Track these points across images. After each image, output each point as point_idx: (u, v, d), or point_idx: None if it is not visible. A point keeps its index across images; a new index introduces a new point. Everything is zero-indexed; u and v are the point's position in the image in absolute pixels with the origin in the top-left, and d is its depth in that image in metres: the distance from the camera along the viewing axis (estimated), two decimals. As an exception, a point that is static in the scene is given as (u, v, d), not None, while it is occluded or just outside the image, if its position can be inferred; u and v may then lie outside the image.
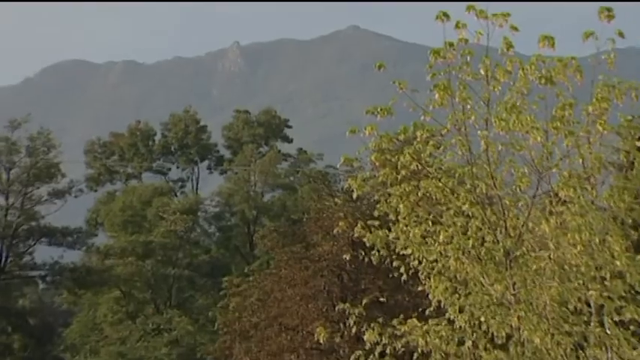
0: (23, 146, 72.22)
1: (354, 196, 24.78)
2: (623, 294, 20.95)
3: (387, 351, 21.85)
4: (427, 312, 22.09)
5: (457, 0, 21.98)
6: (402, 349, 22.04)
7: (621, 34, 21.23)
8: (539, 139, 21.54)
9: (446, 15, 21.78)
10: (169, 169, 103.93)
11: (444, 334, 21.71)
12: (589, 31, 21.22)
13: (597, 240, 20.95)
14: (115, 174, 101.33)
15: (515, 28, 21.71)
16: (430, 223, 21.78)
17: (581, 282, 21.16)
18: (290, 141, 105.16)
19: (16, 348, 71.67)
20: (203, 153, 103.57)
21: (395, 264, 22.21)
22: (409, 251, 21.85)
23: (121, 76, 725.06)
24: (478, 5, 21.67)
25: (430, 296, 21.89)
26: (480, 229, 21.60)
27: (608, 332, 21.15)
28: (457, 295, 21.60)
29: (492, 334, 21.38)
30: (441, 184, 21.90)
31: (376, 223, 22.30)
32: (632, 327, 20.98)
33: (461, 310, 21.56)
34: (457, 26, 21.81)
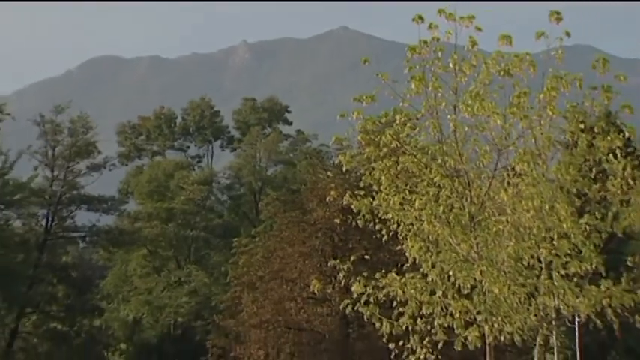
0: (66, 128, 71.94)
1: (344, 169, 24.85)
2: (568, 251, 21.01)
3: (371, 300, 21.86)
4: (404, 267, 22.11)
5: (436, 0, 21.90)
6: (384, 298, 22.04)
7: (568, 34, 21.24)
8: (498, 121, 21.59)
9: (421, 17, 21.83)
10: (188, 147, 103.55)
11: (418, 285, 21.71)
12: (540, 31, 21.22)
13: (547, 206, 21.01)
14: (143, 151, 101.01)
15: (479, 29, 21.73)
16: (407, 192, 21.78)
17: (533, 242, 21.19)
18: (290, 124, 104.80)
19: (60, 297, 71.56)
20: (216, 134, 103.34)
21: (377, 227, 22.23)
22: (390, 216, 21.88)
23: (147, 69, 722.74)
24: (450, 8, 21.71)
25: (407, 254, 21.89)
26: (449, 197, 21.62)
27: (556, 283, 21.20)
28: (430, 253, 21.61)
29: (459, 285, 21.39)
30: (416, 160, 21.91)
31: (362, 192, 22.31)
32: (575, 279, 21.03)
33: (433, 266, 21.58)
34: (430, 27, 21.83)
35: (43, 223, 71.21)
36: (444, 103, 21.98)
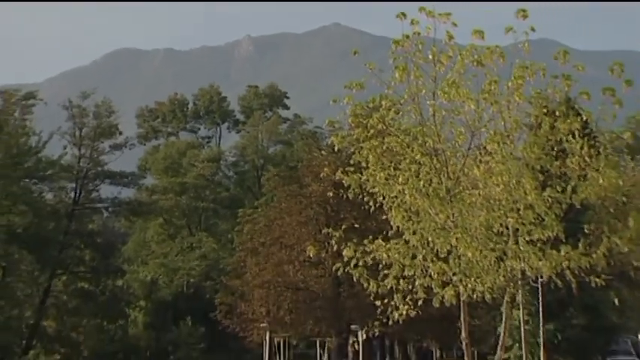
0: (91, 111, 71.82)
1: (336, 149, 24.79)
2: (533, 220, 21.04)
3: (360, 263, 21.87)
4: (389, 234, 22.11)
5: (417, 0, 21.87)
6: (371, 262, 22.08)
7: (533, 29, 21.22)
8: (472, 106, 21.58)
9: (404, 14, 21.79)
10: (199, 129, 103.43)
11: (401, 250, 21.73)
12: (509, 27, 21.20)
13: (514, 181, 21.02)
14: (159, 132, 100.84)
15: (455, 24, 21.70)
16: (392, 169, 21.76)
17: (502, 212, 21.22)
18: (288, 108, 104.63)
19: (87, 260, 71.62)
20: (223, 117, 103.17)
21: (366, 199, 22.20)
22: (376, 190, 21.86)
23: (162, 60, 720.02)
24: (429, 6, 21.66)
25: (391, 223, 21.89)
26: (429, 173, 21.60)
27: (522, 248, 21.24)
28: (411, 222, 21.61)
29: (437, 250, 21.41)
30: (399, 140, 21.90)
31: (352, 169, 22.28)
32: (538, 244, 21.06)
33: (414, 233, 21.57)
34: (412, 23, 21.78)
35: (72, 195, 71.25)
36: (424, 90, 21.98)
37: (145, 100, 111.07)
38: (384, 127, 21.94)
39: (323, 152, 48.69)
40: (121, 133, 75.13)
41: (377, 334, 24.36)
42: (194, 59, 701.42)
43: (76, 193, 70.98)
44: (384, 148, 21.85)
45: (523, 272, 22.05)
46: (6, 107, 63.86)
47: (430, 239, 21.41)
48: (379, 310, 22.15)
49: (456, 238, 21.09)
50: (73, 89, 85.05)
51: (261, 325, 45.39)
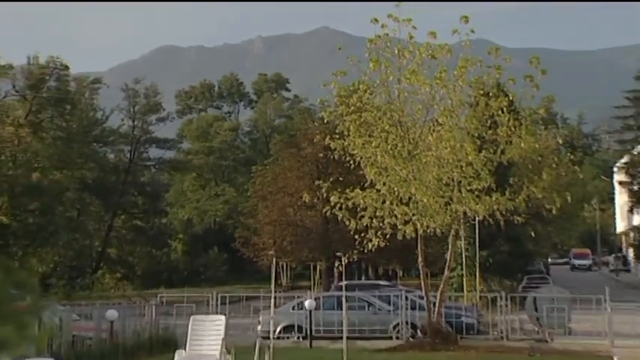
0: (142, 93, 71.44)
1: (325, 121, 24.83)
2: (472, 174, 21.05)
3: (343, 206, 21.90)
4: (365, 185, 22.11)
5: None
6: (351, 206, 22.09)
7: (473, 31, 21.16)
8: (427, 89, 21.53)
9: (376, 19, 21.72)
10: (222, 106, 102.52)
11: (374, 197, 21.75)
12: (455, 29, 21.10)
13: (458, 145, 21.00)
14: (192, 109, 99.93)
15: (415, 27, 21.66)
16: (367, 136, 21.72)
17: (449, 168, 21.23)
18: (289, 91, 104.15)
19: (140, 204, 71.50)
20: (241, 97, 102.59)
21: (347, 159, 22.19)
22: (355, 152, 21.82)
23: (195, 55, 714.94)
24: (396, 13, 21.52)
25: (367, 176, 21.91)
26: (394, 139, 21.56)
27: (463, 195, 21.25)
28: (381, 176, 21.60)
29: (400, 197, 21.43)
30: (373, 115, 21.84)
31: (337, 136, 22.24)
32: (476, 192, 21.08)
33: (384, 184, 21.59)
34: (382, 26, 21.68)
35: (128, 156, 70.89)
36: (391, 77, 21.94)
37: (182, 85, 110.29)
38: (362, 105, 21.89)
39: (315, 123, 48.44)
40: (164, 109, 74.78)
41: (355, 259, 24.31)
42: (218, 54, 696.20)
43: (131, 154, 70.70)
44: (362, 120, 21.81)
45: (464, 213, 22.11)
46: (79, 90, 63.55)
47: (395, 189, 21.43)
48: (357, 241, 22.21)
49: (415, 188, 21.12)
50: (127, 76, 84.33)
51: (269, 252, 45.38)
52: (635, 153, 67.58)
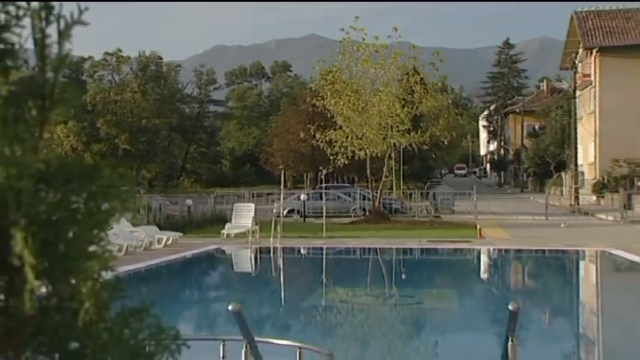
0: (204, 73, 69.96)
1: (313, 89, 24.22)
2: (399, 121, 20.81)
3: (324, 140, 21.69)
4: (336, 128, 21.83)
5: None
6: (328, 139, 21.83)
7: (400, 35, 20.64)
8: (373, 70, 21.08)
9: (343, 29, 21.15)
10: (251, 81, 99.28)
11: (342, 135, 21.52)
12: (389, 34, 20.50)
13: (391, 104, 20.71)
14: (234, 82, 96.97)
15: (366, 33, 21.11)
16: (338, 98, 21.33)
17: (386, 117, 20.97)
18: (292, 72, 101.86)
19: (204, 137, 70.47)
20: (262, 75, 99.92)
21: (326, 112, 21.85)
22: (331, 108, 21.45)
23: (235, 53, 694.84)
24: (355, 23, 20.81)
25: (338, 122, 21.62)
26: (354, 100, 21.19)
27: (394, 133, 21.08)
28: (346, 122, 21.32)
29: (357, 134, 21.23)
30: (342, 85, 21.40)
31: (320, 98, 21.83)
32: (401, 131, 20.91)
33: (347, 127, 21.34)
34: (347, 33, 21.12)
35: (196, 110, 69.82)
36: (352, 63, 21.46)
37: (227, 67, 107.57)
38: (334, 80, 21.43)
39: (307, 91, 47.61)
40: (217, 82, 73.36)
41: (331, 171, 24.25)
42: (249, 51, 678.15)
43: (198, 108, 69.75)
44: (334, 89, 21.37)
45: (394, 144, 21.97)
46: (168, 71, 62.87)
47: (354, 130, 21.19)
48: (332, 160, 22.11)
49: (365, 129, 20.90)
50: (196, 63, 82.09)
51: (280, 167, 45.26)
52: (491, 109, 71.53)
